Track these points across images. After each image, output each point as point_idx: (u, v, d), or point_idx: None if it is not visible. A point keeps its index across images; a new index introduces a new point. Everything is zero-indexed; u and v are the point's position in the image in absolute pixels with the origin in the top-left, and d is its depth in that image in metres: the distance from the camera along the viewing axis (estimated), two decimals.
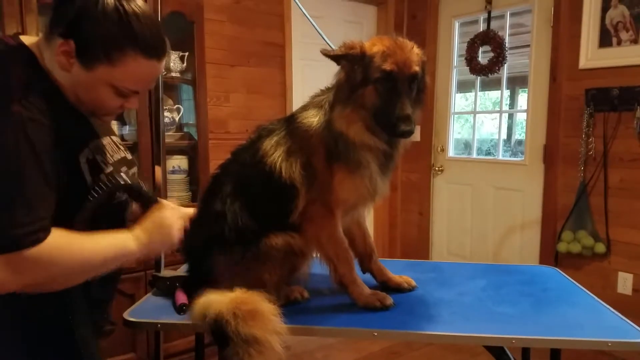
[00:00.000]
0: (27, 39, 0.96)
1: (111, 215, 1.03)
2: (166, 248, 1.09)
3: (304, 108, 1.31)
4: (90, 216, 0.95)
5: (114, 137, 1.12)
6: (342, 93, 1.22)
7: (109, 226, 0.98)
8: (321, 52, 1.22)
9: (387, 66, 1.17)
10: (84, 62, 0.91)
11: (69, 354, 0.99)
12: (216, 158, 1.46)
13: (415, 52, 1.22)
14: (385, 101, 1.17)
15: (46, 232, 0.85)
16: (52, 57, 0.91)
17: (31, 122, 0.85)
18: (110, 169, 1.01)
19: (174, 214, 1.09)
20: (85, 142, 0.98)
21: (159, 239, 1.05)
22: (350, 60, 1.21)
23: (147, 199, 1.08)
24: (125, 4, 0.90)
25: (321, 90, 1.33)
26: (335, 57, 1.22)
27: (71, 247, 0.89)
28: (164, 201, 1.13)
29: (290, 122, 1.30)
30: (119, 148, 1.11)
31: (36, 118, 0.86)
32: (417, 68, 1.19)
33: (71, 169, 0.93)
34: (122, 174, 1.02)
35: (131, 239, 1.00)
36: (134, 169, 1.14)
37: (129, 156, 1.14)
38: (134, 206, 1.14)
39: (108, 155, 1.04)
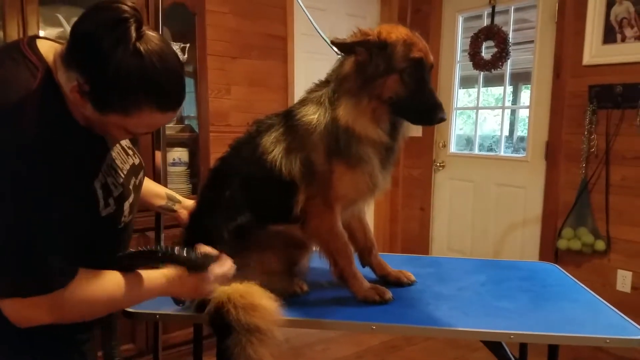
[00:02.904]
0: (44, 46, 0.90)
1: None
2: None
3: (302, 103, 1.28)
4: (126, 263, 0.97)
5: (122, 142, 1.08)
6: (351, 84, 1.19)
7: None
8: (333, 40, 1.19)
9: (416, 54, 1.16)
10: (98, 108, 0.85)
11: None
12: (217, 151, 1.45)
13: None
14: (413, 90, 1.16)
15: (72, 274, 0.86)
16: (67, 83, 0.85)
17: (49, 153, 0.82)
18: (120, 190, 0.99)
19: (216, 281, 1.06)
20: (98, 166, 0.95)
21: (189, 295, 1.09)
22: (368, 49, 1.17)
23: (196, 267, 1.04)
24: (142, 48, 0.82)
25: (315, 84, 1.30)
26: (350, 46, 1.18)
27: (98, 290, 0.91)
28: (217, 265, 1.07)
29: (289, 118, 1.27)
30: (127, 154, 1.09)
31: (53, 148, 0.83)
32: None
33: (86, 197, 0.91)
34: (176, 248, 0.99)
35: (164, 284, 1.00)
36: (141, 175, 1.13)
37: (137, 160, 1.12)
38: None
39: (118, 171, 1.01)
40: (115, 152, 1.03)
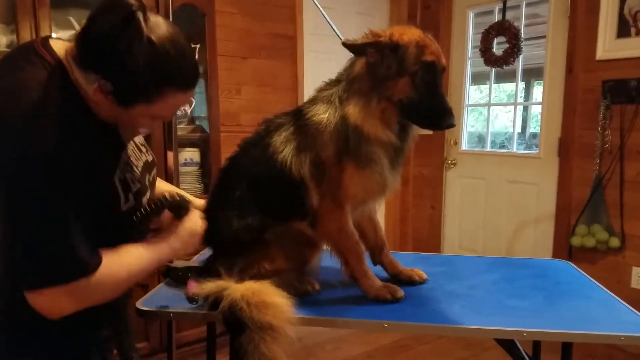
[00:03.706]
0: (57, 45, 0.92)
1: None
2: (192, 251, 1.17)
3: (312, 102, 1.28)
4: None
5: (135, 139, 1.10)
6: (362, 84, 1.19)
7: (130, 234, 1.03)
8: (344, 41, 1.18)
9: (428, 57, 1.15)
10: (122, 104, 0.88)
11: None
12: (228, 151, 1.46)
13: None
14: (423, 94, 1.15)
15: (97, 260, 0.89)
16: (87, 85, 0.87)
17: (69, 148, 0.84)
18: (138, 185, 1.02)
19: (200, 219, 1.14)
20: (116, 161, 0.98)
21: (190, 245, 1.13)
22: (380, 50, 1.17)
23: (185, 210, 1.12)
24: (154, 36, 0.85)
25: (326, 83, 1.30)
26: (362, 47, 1.17)
27: (118, 268, 0.93)
28: (192, 205, 1.16)
29: (299, 117, 1.27)
30: (140, 150, 1.11)
31: (72, 143, 0.85)
32: None
33: (107, 191, 0.94)
34: (166, 195, 1.08)
35: (167, 248, 1.06)
36: (154, 171, 1.15)
37: (150, 157, 1.14)
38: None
39: (134, 166, 1.04)
40: (130, 149, 1.05)
